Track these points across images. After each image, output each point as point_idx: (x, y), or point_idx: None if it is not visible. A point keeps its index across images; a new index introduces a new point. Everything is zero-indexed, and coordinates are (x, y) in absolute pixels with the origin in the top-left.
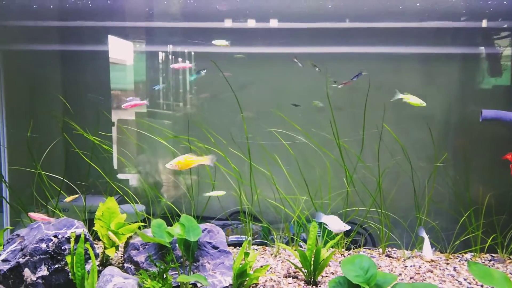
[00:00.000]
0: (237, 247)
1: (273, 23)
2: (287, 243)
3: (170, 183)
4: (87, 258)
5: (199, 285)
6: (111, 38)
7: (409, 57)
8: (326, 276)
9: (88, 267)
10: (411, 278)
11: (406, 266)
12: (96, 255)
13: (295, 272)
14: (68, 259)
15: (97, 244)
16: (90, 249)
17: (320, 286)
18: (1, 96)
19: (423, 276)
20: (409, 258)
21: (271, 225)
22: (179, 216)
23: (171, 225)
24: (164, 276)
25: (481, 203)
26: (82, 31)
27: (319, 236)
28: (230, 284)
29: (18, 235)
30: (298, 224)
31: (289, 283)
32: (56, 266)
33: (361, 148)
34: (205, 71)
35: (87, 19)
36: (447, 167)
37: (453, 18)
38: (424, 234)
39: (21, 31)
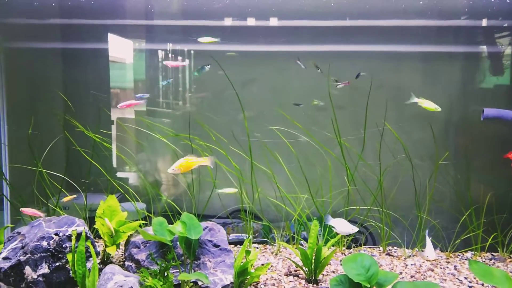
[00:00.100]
0: (238, 246)
1: (273, 22)
2: (287, 242)
3: (170, 181)
4: (88, 256)
5: (200, 283)
6: (111, 36)
7: (410, 56)
8: (327, 275)
9: (89, 265)
10: (412, 276)
11: (406, 265)
12: (97, 253)
13: (296, 271)
14: (69, 257)
15: (98, 242)
16: (91, 247)
17: (321, 284)
18: (2, 93)
19: (424, 275)
20: (409, 256)
21: (272, 224)
22: (180, 214)
23: (172, 223)
24: (165, 274)
25: (482, 202)
26: (83, 29)
27: (320, 234)
28: (231, 282)
29: (19, 233)
30: (299, 223)
31: (290, 281)
32: (57, 264)
33: (362, 146)
34: (209, 66)
35: (88, 17)
36: (448, 166)
37: (455, 16)
38: (426, 236)
39: (22, 29)
